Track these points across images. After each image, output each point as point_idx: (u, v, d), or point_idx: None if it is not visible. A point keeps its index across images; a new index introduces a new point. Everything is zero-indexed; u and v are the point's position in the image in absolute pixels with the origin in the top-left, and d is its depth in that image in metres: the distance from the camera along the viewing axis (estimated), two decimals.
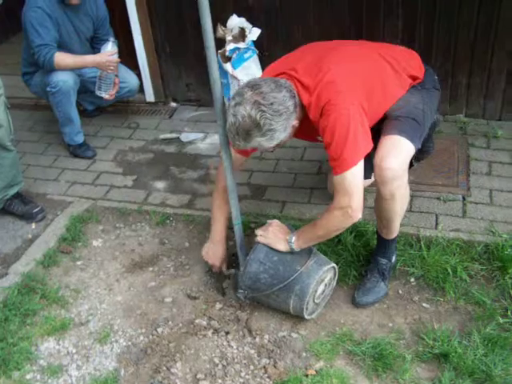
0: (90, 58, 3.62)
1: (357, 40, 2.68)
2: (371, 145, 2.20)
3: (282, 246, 2.39)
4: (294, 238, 2.36)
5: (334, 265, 2.48)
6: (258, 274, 2.41)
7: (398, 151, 2.24)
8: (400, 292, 2.59)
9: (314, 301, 2.42)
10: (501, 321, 2.36)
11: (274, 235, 2.42)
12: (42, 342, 2.50)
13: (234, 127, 2.11)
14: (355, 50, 2.43)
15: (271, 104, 2.08)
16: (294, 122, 2.20)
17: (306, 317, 2.42)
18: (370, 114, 2.23)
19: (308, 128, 2.29)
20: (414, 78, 2.45)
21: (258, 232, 2.46)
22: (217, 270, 2.71)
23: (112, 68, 3.61)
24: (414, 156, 2.36)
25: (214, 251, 2.66)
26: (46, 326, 2.55)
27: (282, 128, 2.13)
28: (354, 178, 2.15)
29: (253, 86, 2.13)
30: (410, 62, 2.47)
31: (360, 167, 2.16)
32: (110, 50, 3.59)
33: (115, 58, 3.61)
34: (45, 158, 3.90)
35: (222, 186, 2.50)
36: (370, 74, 2.30)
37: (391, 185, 2.24)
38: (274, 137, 2.14)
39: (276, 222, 2.50)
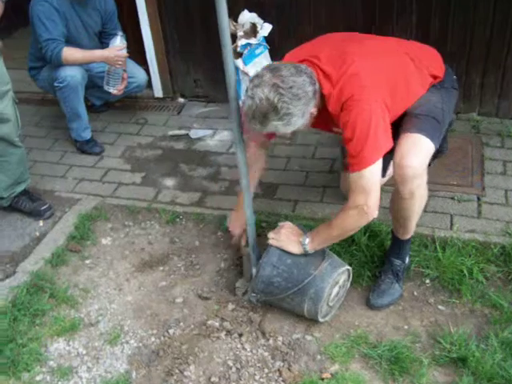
0: (98, 53, 3.57)
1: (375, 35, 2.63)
2: (391, 143, 2.16)
3: (295, 249, 2.34)
4: (307, 240, 2.32)
5: (348, 267, 2.43)
6: (271, 278, 2.36)
7: (418, 149, 2.20)
8: (415, 294, 2.55)
9: (328, 304, 2.38)
10: None
11: (286, 237, 2.37)
12: (52, 343, 2.46)
13: (251, 110, 2.06)
14: (380, 45, 2.38)
15: (290, 88, 2.03)
16: (313, 110, 2.15)
17: (321, 320, 2.39)
18: (392, 111, 2.19)
19: (325, 118, 2.25)
20: (434, 77, 2.40)
21: (270, 235, 2.41)
22: (236, 242, 2.67)
23: (120, 63, 3.57)
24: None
25: (236, 218, 2.62)
26: (56, 327, 2.51)
27: (300, 113, 2.08)
28: (371, 176, 2.11)
29: (272, 69, 2.09)
30: (431, 60, 2.42)
31: (379, 165, 2.12)
32: (118, 45, 3.55)
33: (124, 52, 3.56)
34: (52, 153, 3.85)
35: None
36: (394, 70, 2.26)
37: (411, 184, 2.20)
38: (291, 122, 2.09)
39: (288, 223, 2.45)
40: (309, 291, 2.31)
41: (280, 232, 2.40)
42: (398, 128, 2.29)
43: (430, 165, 2.32)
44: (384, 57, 2.29)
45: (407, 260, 2.56)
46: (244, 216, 2.48)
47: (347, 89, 2.12)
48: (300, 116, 2.09)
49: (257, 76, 2.09)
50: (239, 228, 2.62)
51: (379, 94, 2.13)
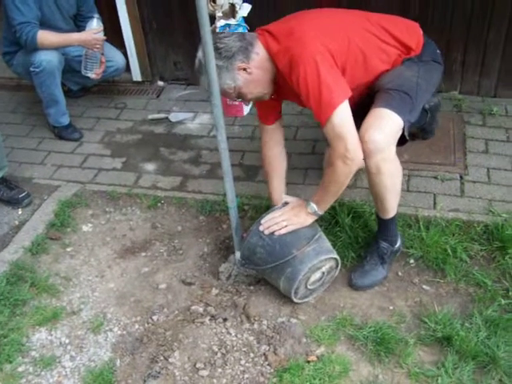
0: (75, 36, 3.49)
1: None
2: (349, 91, 2.16)
3: (309, 221, 2.37)
4: (315, 206, 2.34)
5: (335, 255, 2.41)
6: (255, 247, 2.38)
7: (382, 124, 2.18)
8: (400, 274, 2.55)
9: (306, 286, 2.37)
10: (502, 302, 2.33)
11: (296, 217, 2.37)
12: (34, 333, 2.42)
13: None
14: (338, 15, 2.42)
15: (214, 43, 2.11)
16: (242, 65, 2.23)
17: (296, 300, 2.39)
18: (346, 74, 2.23)
19: (287, 87, 2.29)
20: (407, 48, 2.39)
21: (279, 221, 2.37)
22: None
23: (98, 46, 3.49)
24: (408, 131, 2.29)
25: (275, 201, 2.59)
26: (37, 316, 2.47)
27: (223, 66, 2.20)
28: (342, 121, 2.11)
29: (215, 34, 2.28)
30: (404, 31, 2.41)
31: (344, 109, 2.12)
32: (95, 28, 3.47)
33: (101, 35, 3.49)
34: (29, 140, 3.77)
35: (264, 155, 2.64)
36: (346, 30, 2.30)
37: (375, 158, 2.18)
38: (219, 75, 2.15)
39: (286, 204, 2.45)
40: (286, 270, 2.31)
41: (286, 213, 2.39)
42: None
43: (406, 141, 2.31)
44: (336, 19, 2.36)
45: (397, 245, 2.53)
46: (280, 195, 2.55)
47: (291, 45, 2.18)
48: (224, 69, 2.21)
49: None
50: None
51: (323, 45, 2.16)
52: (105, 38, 3.53)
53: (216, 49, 2.15)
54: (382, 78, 2.37)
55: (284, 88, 2.35)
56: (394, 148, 2.24)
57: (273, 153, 2.62)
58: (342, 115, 2.11)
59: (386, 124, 2.19)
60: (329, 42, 2.19)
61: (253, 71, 2.26)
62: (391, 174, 2.28)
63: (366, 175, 2.36)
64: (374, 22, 2.36)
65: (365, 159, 2.22)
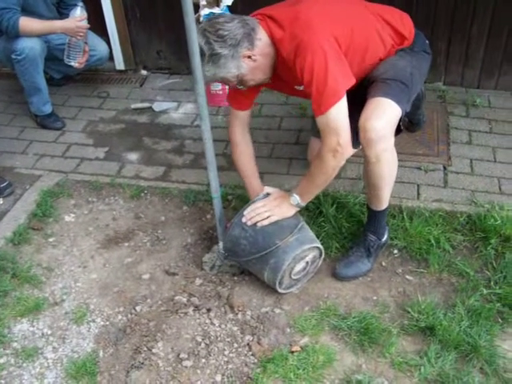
0: (58, 24, 3.43)
1: None
2: (353, 79, 2.17)
3: (291, 212, 2.36)
4: (298, 198, 2.33)
5: (319, 245, 2.41)
6: (238, 239, 2.37)
7: (382, 112, 2.18)
8: (383, 264, 2.55)
9: (290, 277, 2.37)
10: (484, 292, 2.35)
11: (278, 208, 2.36)
12: (15, 324, 2.39)
13: None
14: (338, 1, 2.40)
15: (216, 30, 2.13)
16: (247, 52, 2.18)
17: (280, 291, 2.39)
18: (349, 57, 2.21)
19: (286, 74, 2.27)
20: (401, 37, 2.40)
21: (262, 212, 2.36)
22: None
23: (82, 34, 3.45)
24: (402, 121, 2.30)
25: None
26: (19, 307, 2.44)
27: (229, 54, 2.16)
28: (338, 114, 2.11)
29: (212, 18, 2.25)
30: (398, 20, 2.41)
31: (343, 103, 2.11)
32: (79, 15, 3.42)
33: (85, 23, 3.44)
34: (10, 129, 3.72)
35: (233, 142, 2.60)
36: (349, 18, 2.28)
37: (376, 147, 2.18)
38: (221, 63, 2.17)
39: (268, 195, 2.44)
40: (270, 260, 2.31)
41: (269, 204, 2.38)
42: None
43: (400, 131, 2.31)
44: (340, 6, 2.32)
45: (384, 238, 2.53)
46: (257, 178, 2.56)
47: (298, 32, 2.14)
48: (230, 57, 2.16)
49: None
50: None
51: (330, 32, 2.14)
52: (88, 26, 3.48)
53: (220, 36, 2.13)
54: (376, 68, 2.37)
55: (282, 75, 2.32)
56: (393, 138, 2.24)
57: (242, 138, 2.59)
58: (340, 109, 2.10)
59: (385, 112, 2.19)
60: (334, 28, 2.17)
61: (257, 58, 2.22)
62: (390, 164, 2.28)
63: (364, 167, 2.35)
64: (372, 11, 2.36)
65: (364, 148, 2.22)
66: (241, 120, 2.57)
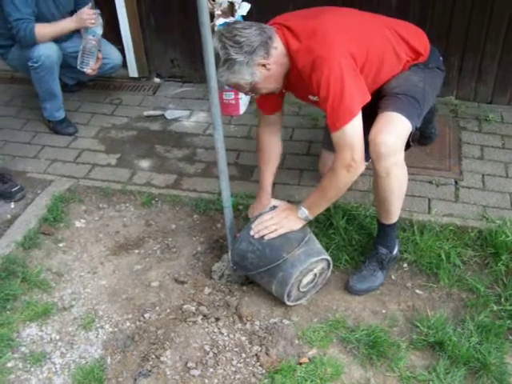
0: (67, 20, 3.46)
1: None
2: (369, 96, 2.17)
3: (298, 225, 2.34)
4: (306, 211, 2.32)
5: (326, 256, 2.40)
6: (245, 253, 2.36)
7: (393, 127, 2.19)
8: (393, 278, 2.55)
9: (299, 289, 2.37)
10: (494, 308, 2.34)
11: (286, 220, 2.34)
12: (24, 328, 2.40)
13: None
14: (355, 13, 2.42)
15: (233, 36, 2.13)
16: (262, 61, 2.18)
17: (289, 303, 2.38)
18: (364, 72, 2.22)
19: (299, 84, 2.28)
20: (416, 53, 2.41)
21: (269, 225, 2.34)
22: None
23: (93, 21, 3.45)
24: (412, 136, 2.29)
25: (255, 209, 2.58)
26: (28, 312, 2.45)
27: (244, 61, 2.15)
28: (354, 131, 2.12)
29: (230, 23, 2.25)
30: (414, 37, 2.42)
31: (359, 119, 2.12)
32: (89, 7, 3.45)
33: (97, 17, 3.47)
34: (23, 133, 3.75)
35: (257, 146, 2.64)
36: (366, 34, 2.28)
37: (386, 161, 2.18)
38: (235, 69, 2.16)
39: (275, 208, 2.43)
40: (277, 274, 2.30)
41: (276, 217, 2.36)
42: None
43: (410, 146, 2.31)
44: (356, 22, 2.33)
45: (395, 251, 2.52)
46: (262, 206, 2.52)
47: (315, 46, 2.14)
48: (244, 64, 2.15)
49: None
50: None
51: (347, 49, 2.15)
52: (98, 11, 3.49)
53: (237, 42, 2.13)
54: (389, 83, 2.38)
55: (296, 85, 2.33)
56: (403, 152, 2.24)
57: (268, 143, 2.61)
58: (355, 126, 2.11)
59: (396, 127, 2.20)
60: (351, 45, 2.17)
61: (272, 67, 2.22)
62: (399, 178, 2.28)
63: (373, 181, 2.34)
64: (389, 27, 2.36)
65: (373, 162, 2.22)
66: (269, 123, 2.60)
